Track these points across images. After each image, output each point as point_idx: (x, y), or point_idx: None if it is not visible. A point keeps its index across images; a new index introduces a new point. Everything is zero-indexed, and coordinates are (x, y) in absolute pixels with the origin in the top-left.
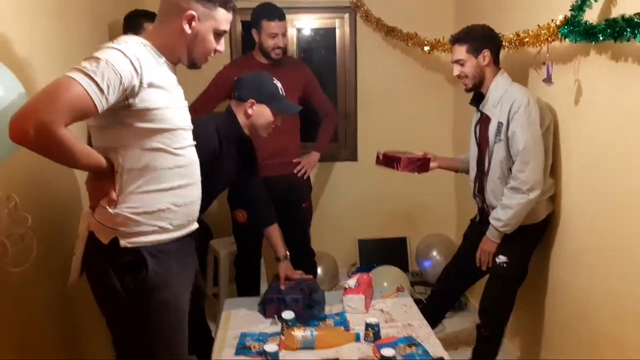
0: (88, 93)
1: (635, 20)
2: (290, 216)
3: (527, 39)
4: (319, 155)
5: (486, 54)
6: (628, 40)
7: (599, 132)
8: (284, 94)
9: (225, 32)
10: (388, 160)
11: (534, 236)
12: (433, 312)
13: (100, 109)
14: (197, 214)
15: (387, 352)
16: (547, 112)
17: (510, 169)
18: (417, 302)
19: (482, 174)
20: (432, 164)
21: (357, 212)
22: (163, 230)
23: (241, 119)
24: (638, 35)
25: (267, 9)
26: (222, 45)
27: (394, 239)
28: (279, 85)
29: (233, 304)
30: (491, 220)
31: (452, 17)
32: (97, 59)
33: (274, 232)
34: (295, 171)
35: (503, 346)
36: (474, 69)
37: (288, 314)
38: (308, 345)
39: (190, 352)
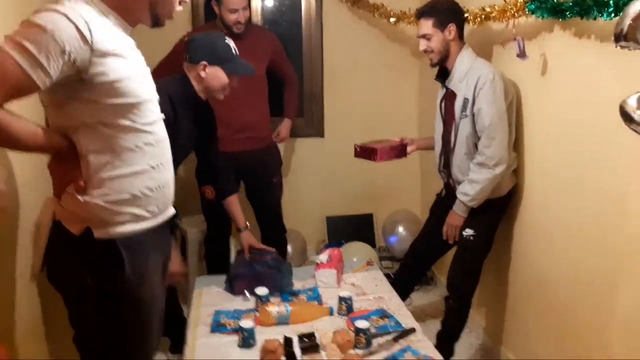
0: (23, 68)
1: None
2: (261, 192)
3: (493, 14)
4: (291, 123)
5: (452, 28)
6: (595, 19)
7: (561, 107)
8: (237, 53)
9: None
10: (365, 152)
11: (499, 209)
12: (401, 287)
13: (42, 85)
14: (172, 197)
15: (361, 324)
16: (510, 87)
17: (476, 145)
18: (386, 276)
19: (447, 150)
20: (409, 148)
21: (324, 189)
22: (139, 218)
23: (194, 82)
24: (604, 13)
25: None
26: None
27: (361, 216)
28: (231, 44)
29: (204, 282)
30: (458, 195)
31: None
32: (34, 25)
33: (234, 202)
34: (274, 139)
35: (469, 317)
36: (440, 43)
37: (261, 290)
38: (283, 321)
39: (163, 334)
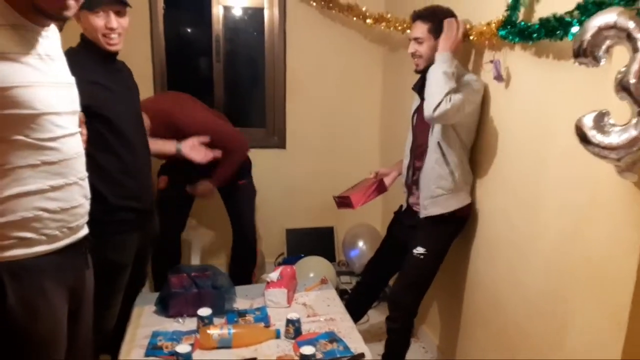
0: None
1: (566, 19)
2: (228, 195)
3: (472, 36)
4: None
5: None
6: (561, 39)
7: (521, 123)
8: None
9: None
10: (343, 202)
11: (454, 226)
12: (357, 305)
13: None
14: (80, 220)
15: (307, 349)
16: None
17: (444, 154)
18: (343, 292)
19: (415, 160)
20: (387, 181)
21: (284, 201)
22: (29, 242)
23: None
24: (569, 33)
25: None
26: None
27: (321, 229)
28: None
29: (146, 299)
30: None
31: None
32: None
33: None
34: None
35: (422, 334)
36: (430, 50)
37: (204, 310)
38: (225, 345)
39: (105, 350)
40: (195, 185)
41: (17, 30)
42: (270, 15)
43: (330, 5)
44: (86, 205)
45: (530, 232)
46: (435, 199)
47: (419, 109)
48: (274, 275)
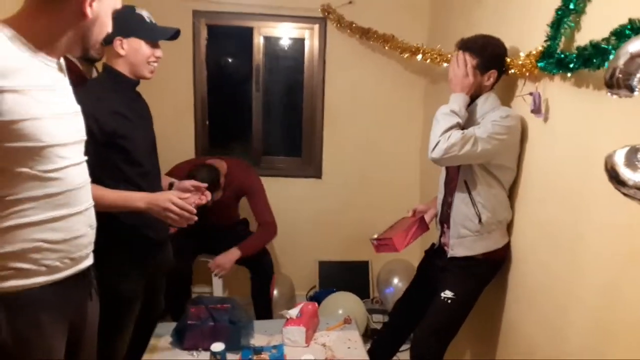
0: None
1: (602, 45)
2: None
3: (513, 69)
4: (238, 254)
5: (493, 75)
6: (598, 68)
7: (556, 162)
8: (153, 21)
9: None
10: (384, 246)
11: (487, 269)
12: (384, 347)
13: None
14: (83, 250)
15: None
16: (521, 131)
17: (470, 193)
18: (374, 332)
19: (448, 196)
20: (427, 218)
21: (319, 233)
22: (27, 273)
23: (118, 63)
24: (606, 61)
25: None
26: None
27: (356, 263)
28: (145, 14)
29: (166, 329)
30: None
31: (427, 23)
32: None
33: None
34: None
35: None
36: (475, 86)
37: (217, 346)
38: None
39: None
40: (219, 258)
41: (28, 63)
42: (310, 45)
43: (368, 35)
44: (91, 235)
45: (569, 281)
46: (461, 239)
47: None
48: (293, 312)
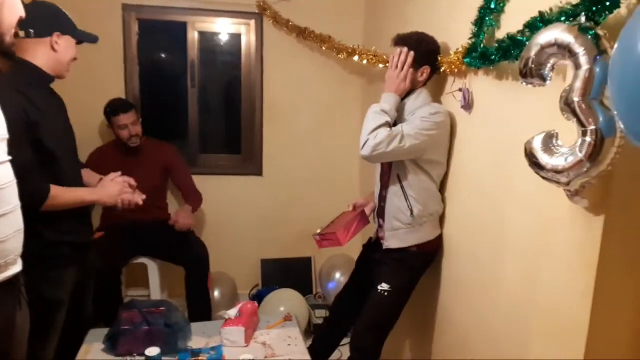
0: None
1: (518, 37)
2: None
3: (443, 66)
4: (191, 209)
5: (426, 70)
6: (516, 59)
7: (480, 153)
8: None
9: None
10: (326, 240)
11: (422, 260)
12: (327, 342)
13: None
14: (10, 255)
15: None
16: (450, 127)
17: (402, 187)
18: (317, 327)
19: (383, 190)
20: (367, 210)
21: (260, 230)
22: None
23: (44, 58)
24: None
25: (112, 104)
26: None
27: (298, 259)
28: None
29: (97, 335)
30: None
31: (362, 23)
32: None
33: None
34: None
35: None
36: (409, 81)
37: (152, 350)
38: None
39: None
40: (176, 217)
41: None
42: (247, 41)
43: (305, 34)
44: (18, 239)
45: (493, 270)
46: (395, 231)
47: None
48: (232, 312)
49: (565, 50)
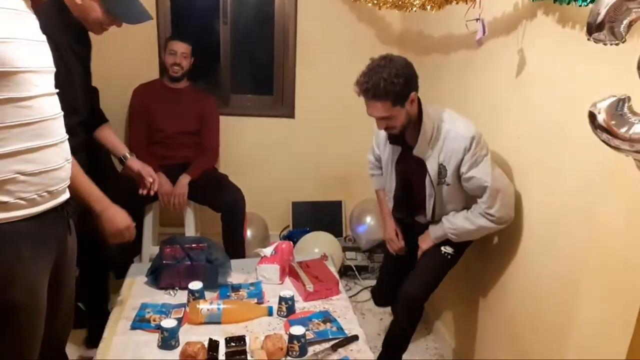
0: None
1: None
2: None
3: None
4: (188, 179)
5: (413, 96)
6: (568, 3)
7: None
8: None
9: None
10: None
11: None
12: (386, 297)
13: None
14: (61, 183)
15: (297, 330)
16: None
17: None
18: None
19: (417, 210)
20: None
21: (292, 173)
22: (6, 206)
23: (71, 6)
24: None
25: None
26: None
27: (329, 202)
28: None
29: (138, 270)
30: (444, 222)
31: None
32: None
33: (105, 133)
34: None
35: (440, 334)
36: (404, 117)
37: (195, 284)
38: (214, 320)
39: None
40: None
41: None
42: None
43: None
44: (67, 169)
45: (548, 229)
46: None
47: (403, 158)
48: (268, 250)
49: None
